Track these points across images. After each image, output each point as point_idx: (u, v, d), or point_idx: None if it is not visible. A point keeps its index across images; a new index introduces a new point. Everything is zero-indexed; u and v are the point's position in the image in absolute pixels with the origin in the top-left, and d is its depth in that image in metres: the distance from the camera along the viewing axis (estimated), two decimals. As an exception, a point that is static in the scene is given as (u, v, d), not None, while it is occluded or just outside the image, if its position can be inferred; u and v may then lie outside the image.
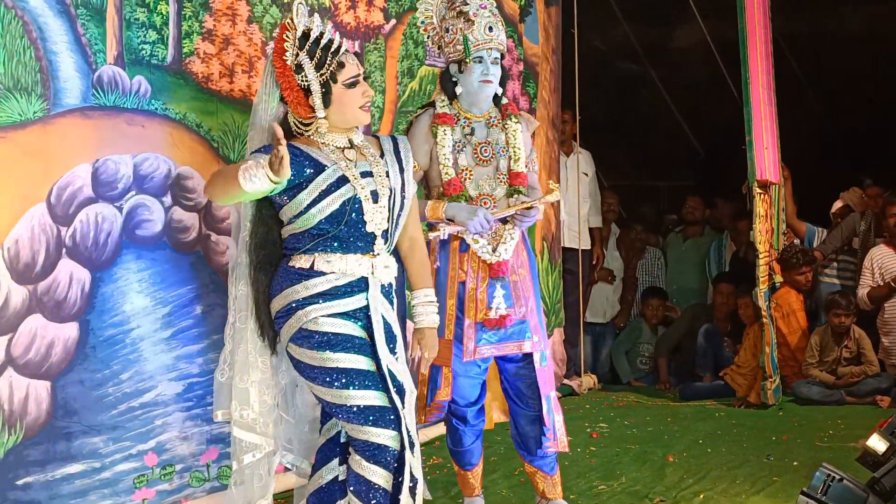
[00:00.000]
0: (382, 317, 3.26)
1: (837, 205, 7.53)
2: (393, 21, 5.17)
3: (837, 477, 3.32)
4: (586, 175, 7.40)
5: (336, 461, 3.39)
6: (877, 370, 6.56)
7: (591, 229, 7.56)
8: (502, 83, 3.77)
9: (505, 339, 3.71)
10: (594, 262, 7.67)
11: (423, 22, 3.66)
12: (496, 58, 3.69)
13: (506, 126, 3.75)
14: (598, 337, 7.77)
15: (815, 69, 8.42)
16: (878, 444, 3.68)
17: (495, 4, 3.77)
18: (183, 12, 4.05)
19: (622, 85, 9.16)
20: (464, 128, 3.77)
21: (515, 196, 3.73)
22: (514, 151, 3.78)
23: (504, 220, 3.73)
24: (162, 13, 3.97)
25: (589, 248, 7.48)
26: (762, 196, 6.32)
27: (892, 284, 6.76)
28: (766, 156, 6.42)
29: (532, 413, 3.76)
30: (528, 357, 3.75)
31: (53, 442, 3.54)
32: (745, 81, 6.30)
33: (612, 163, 8.84)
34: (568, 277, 7.11)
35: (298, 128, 3.35)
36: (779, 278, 6.72)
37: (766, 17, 6.80)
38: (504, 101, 3.76)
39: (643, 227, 8.28)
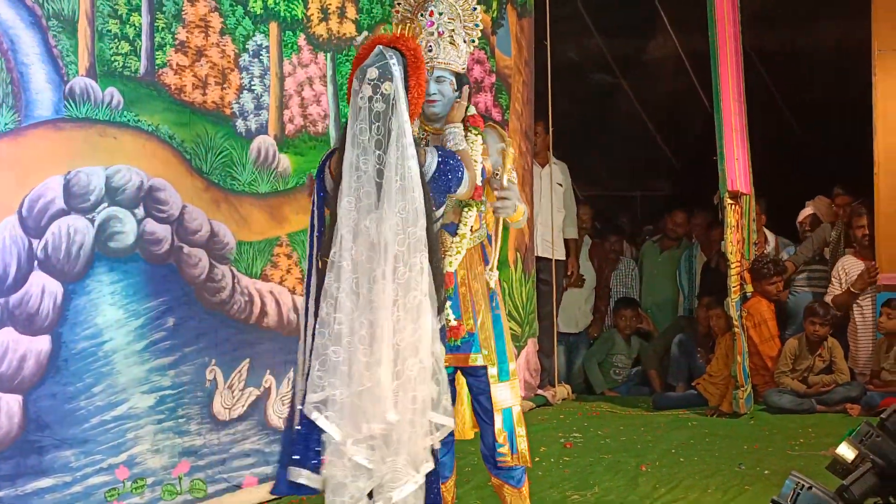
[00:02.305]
0: None
1: (804, 213, 7.61)
2: (365, 33, 5.18)
3: (807, 485, 3.35)
4: (560, 186, 7.43)
5: None
6: (847, 379, 6.62)
7: (566, 240, 7.59)
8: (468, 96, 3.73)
9: (455, 350, 3.71)
10: (568, 273, 7.69)
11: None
12: (438, 77, 3.64)
13: (465, 139, 3.74)
14: (571, 347, 7.79)
15: (786, 81, 8.52)
16: (847, 452, 3.71)
17: (450, 20, 3.60)
18: (156, 24, 4.06)
19: (596, 96, 9.21)
20: (420, 140, 3.76)
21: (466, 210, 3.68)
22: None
23: (453, 232, 3.69)
24: (135, 25, 3.97)
25: (563, 258, 7.51)
26: (733, 206, 6.38)
27: (852, 290, 6.83)
28: (736, 166, 6.48)
29: (492, 427, 3.74)
30: (483, 371, 3.74)
31: (25, 456, 3.52)
32: (717, 93, 6.36)
33: (586, 173, 8.88)
34: (542, 287, 7.14)
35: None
36: (749, 288, 6.78)
37: (737, 30, 6.87)
38: (471, 112, 3.73)
39: (617, 238, 8.31)
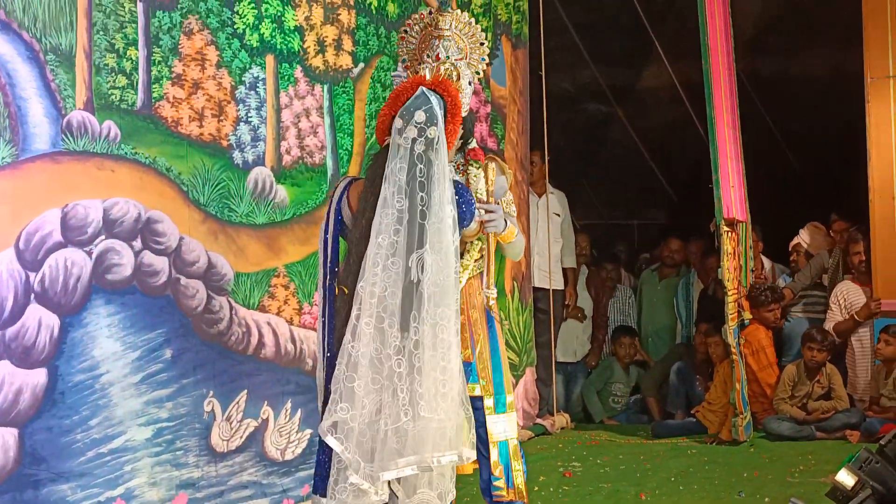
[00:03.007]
0: None
1: (794, 241, 7.63)
2: (361, 65, 5.22)
3: (806, 512, 3.34)
4: (558, 216, 7.44)
5: None
6: (846, 405, 6.61)
7: (564, 269, 7.59)
8: (470, 132, 3.75)
9: None
10: (566, 303, 7.70)
11: (404, 60, 3.68)
12: None
13: (466, 171, 3.76)
14: (569, 376, 7.78)
15: (780, 109, 8.55)
16: (846, 478, 3.70)
17: (457, 59, 3.59)
18: (152, 57, 4.09)
19: (591, 126, 9.25)
20: None
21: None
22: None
23: None
24: (131, 58, 4.00)
25: (561, 287, 7.51)
26: (729, 234, 6.40)
27: (856, 318, 6.85)
28: (732, 194, 6.50)
29: (488, 460, 3.72)
30: (480, 402, 3.72)
31: (21, 490, 3.50)
32: (711, 121, 6.40)
33: (582, 202, 8.91)
34: (539, 317, 7.14)
35: None
36: (748, 315, 6.79)
37: (731, 58, 6.92)
38: (472, 145, 3.76)
39: (613, 266, 8.31)
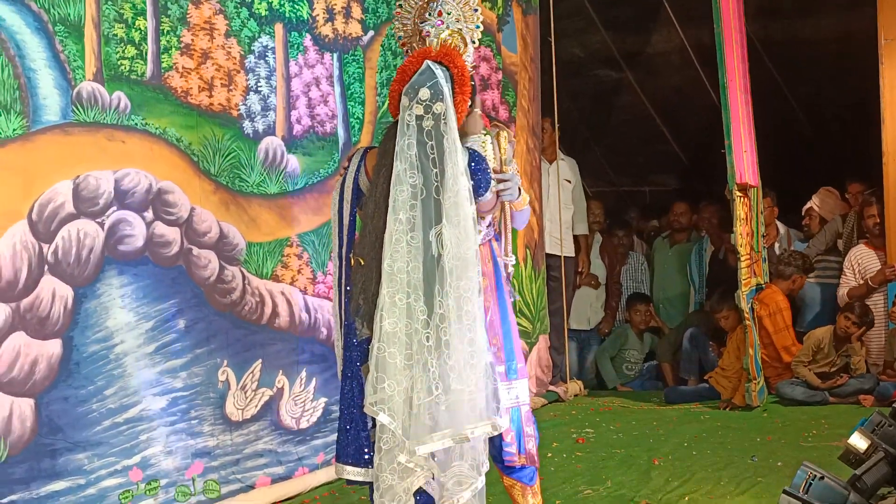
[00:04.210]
0: None
1: (809, 204, 7.60)
2: (371, 32, 5.20)
3: (819, 475, 3.35)
4: (569, 182, 7.42)
5: None
6: (861, 370, 6.61)
7: (576, 237, 7.59)
8: (472, 97, 3.72)
9: None
10: (579, 270, 7.69)
11: (399, 37, 3.65)
12: None
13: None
14: (583, 343, 7.79)
15: (792, 72, 8.48)
16: (859, 441, 3.71)
17: (457, 19, 3.54)
18: (161, 27, 4.07)
19: (602, 91, 9.20)
20: None
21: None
22: None
23: None
24: (140, 28, 3.98)
25: (573, 254, 7.51)
26: (742, 199, 6.37)
27: (871, 284, 6.83)
28: (744, 159, 6.47)
29: None
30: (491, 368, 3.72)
31: (38, 459, 3.54)
32: (723, 86, 6.35)
33: (593, 169, 8.87)
34: (552, 284, 7.14)
35: None
36: (760, 280, 6.77)
37: (742, 22, 6.86)
38: (476, 112, 3.73)
39: (625, 233, 8.30)
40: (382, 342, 3.15)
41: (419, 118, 3.18)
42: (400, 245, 3.16)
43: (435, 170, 3.16)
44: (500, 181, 3.59)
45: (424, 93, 3.19)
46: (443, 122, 3.18)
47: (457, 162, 3.18)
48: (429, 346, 3.12)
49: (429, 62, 3.27)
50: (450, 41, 3.42)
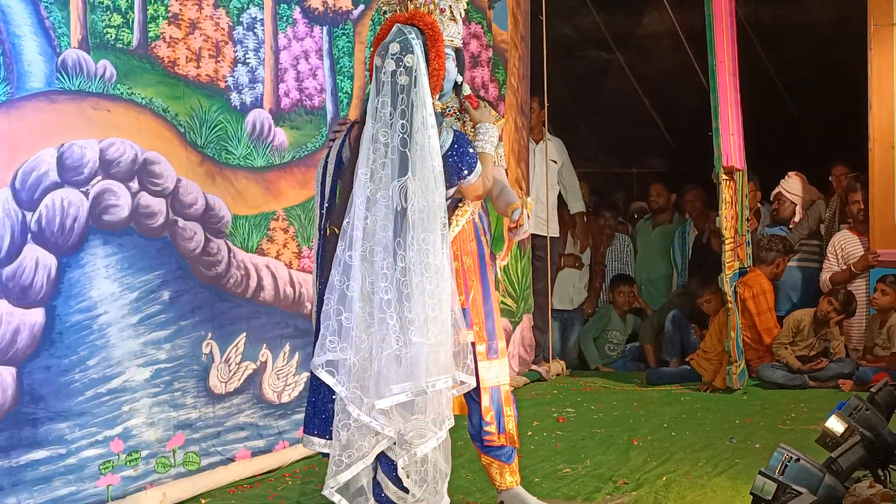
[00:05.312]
0: None
1: (779, 188, 7.63)
2: (361, 6, 5.17)
3: (795, 457, 3.38)
4: (555, 163, 7.42)
5: None
6: (841, 355, 6.66)
7: (573, 214, 7.62)
8: (460, 71, 3.71)
9: None
10: (581, 251, 7.75)
11: (385, 12, 3.62)
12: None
13: (460, 118, 3.72)
14: (566, 323, 7.82)
15: (781, 56, 8.49)
16: (836, 425, 3.75)
17: None
18: (148, -4, 4.03)
19: (591, 72, 9.19)
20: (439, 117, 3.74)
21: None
22: None
23: (453, 205, 3.69)
24: (127, -3, 3.95)
25: (557, 235, 7.52)
26: (728, 182, 6.39)
27: (853, 269, 6.87)
28: (731, 142, 6.48)
29: (479, 405, 3.73)
30: (472, 347, 3.72)
31: (19, 428, 3.53)
32: (712, 69, 6.35)
33: (581, 150, 8.86)
34: (536, 264, 7.15)
35: None
36: (741, 263, 6.81)
37: (732, 3, 6.85)
38: (466, 91, 3.71)
39: (612, 214, 8.32)
40: (339, 303, 3.15)
41: (392, 73, 3.23)
42: (359, 201, 3.18)
43: (402, 121, 3.19)
44: (512, 229, 3.63)
45: (394, 47, 3.26)
46: (414, 75, 3.23)
47: (425, 116, 3.20)
48: (388, 300, 3.12)
49: (398, 24, 3.35)
50: (421, 6, 3.44)
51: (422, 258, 3.13)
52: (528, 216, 3.64)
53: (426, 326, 3.12)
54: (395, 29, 3.33)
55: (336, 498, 3.23)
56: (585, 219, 7.85)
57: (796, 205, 7.54)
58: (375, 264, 3.15)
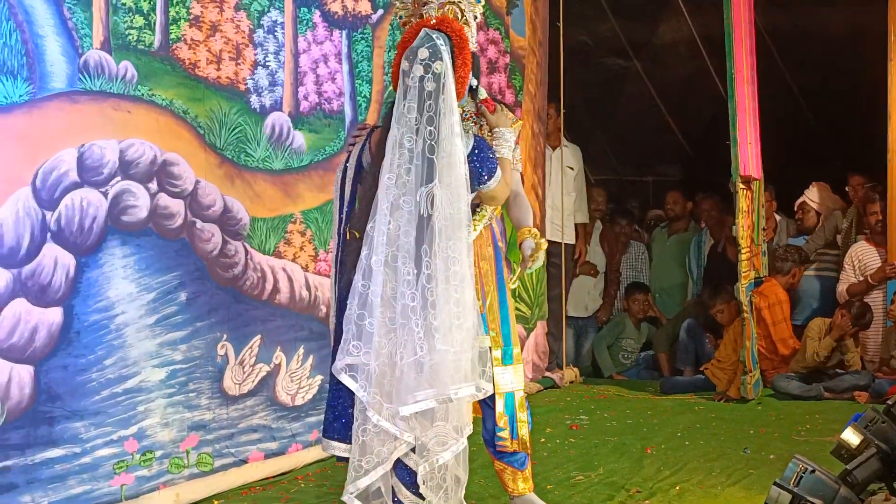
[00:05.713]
0: None
1: (803, 198, 7.60)
2: (380, 11, 5.18)
3: (810, 468, 3.36)
4: (572, 169, 7.41)
5: None
6: (857, 367, 6.63)
7: (575, 225, 7.59)
8: (475, 75, 3.71)
9: None
10: (576, 257, 7.70)
11: (401, 17, 3.63)
12: None
13: (476, 122, 3.72)
14: (580, 331, 7.81)
15: (800, 65, 8.46)
16: (852, 437, 3.72)
17: None
18: (170, -1, 4.06)
19: (608, 79, 9.18)
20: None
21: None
22: None
23: (472, 210, 3.70)
24: (149, -1, 3.97)
25: (573, 241, 7.51)
26: (745, 191, 6.37)
27: (871, 281, 6.84)
28: (749, 151, 6.46)
29: (493, 411, 3.73)
30: (489, 352, 3.71)
31: (35, 426, 3.55)
32: (731, 77, 6.33)
33: (597, 157, 8.86)
34: (551, 271, 7.15)
35: None
36: (759, 273, 6.78)
37: (752, 13, 6.84)
38: (482, 95, 3.72)
39: (628, 222, 8.31)
40: (361, 307, 3.16)
41: (420, 79, 3.22)
42: (384, 206, 3.17)
43: (430, 128, 3.18)
44: (524, 261, 3.68)
45: (423, 52, 3.25)
46: (442, 81, 3.22)
47: (453, 123, 3.20)
48: (413, 307, 3.12)
49: (426, 29, 3.33)
50: (448, 12, 3.44)
51: (448, 266, 3.13)
52: (541, 257, 3.69)
53: (451, 334, 3.12)
54: (422, 34, 3.31)
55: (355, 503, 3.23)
56: (589, 229, 7.83)
57: (821, 214, 7.50)
58: (398, 270, 3.15)
